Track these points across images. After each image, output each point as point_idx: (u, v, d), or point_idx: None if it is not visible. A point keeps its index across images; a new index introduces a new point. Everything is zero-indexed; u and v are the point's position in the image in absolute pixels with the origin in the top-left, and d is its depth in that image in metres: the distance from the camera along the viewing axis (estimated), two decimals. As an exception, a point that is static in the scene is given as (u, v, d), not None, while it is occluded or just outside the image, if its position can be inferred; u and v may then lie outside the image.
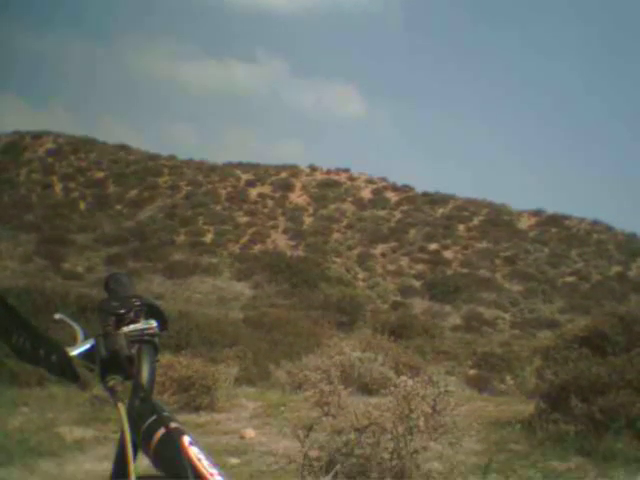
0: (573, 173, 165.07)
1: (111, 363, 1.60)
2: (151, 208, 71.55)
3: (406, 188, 77.88)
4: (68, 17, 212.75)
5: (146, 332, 1.68)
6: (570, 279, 59.90)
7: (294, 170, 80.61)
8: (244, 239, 65.53)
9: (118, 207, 72.02)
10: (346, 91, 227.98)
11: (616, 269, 61.43)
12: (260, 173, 79.28)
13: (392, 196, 75.67)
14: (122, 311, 1.68)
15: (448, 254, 63.68)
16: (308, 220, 70.15)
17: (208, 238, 64.76)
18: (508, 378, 21.11)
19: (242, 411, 13.99)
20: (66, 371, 1.61)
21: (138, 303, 1.71)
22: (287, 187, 76.01)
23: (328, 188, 75.90)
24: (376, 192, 76.29)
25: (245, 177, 78.30)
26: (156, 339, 1.70)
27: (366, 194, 76.01)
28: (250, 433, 11.62)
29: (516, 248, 64.80)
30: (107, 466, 1.55)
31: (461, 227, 69.14)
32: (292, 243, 64.63)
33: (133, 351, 1.63)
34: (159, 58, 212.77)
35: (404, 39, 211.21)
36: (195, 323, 19.87)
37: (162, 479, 1.47)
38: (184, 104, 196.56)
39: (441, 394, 8.46)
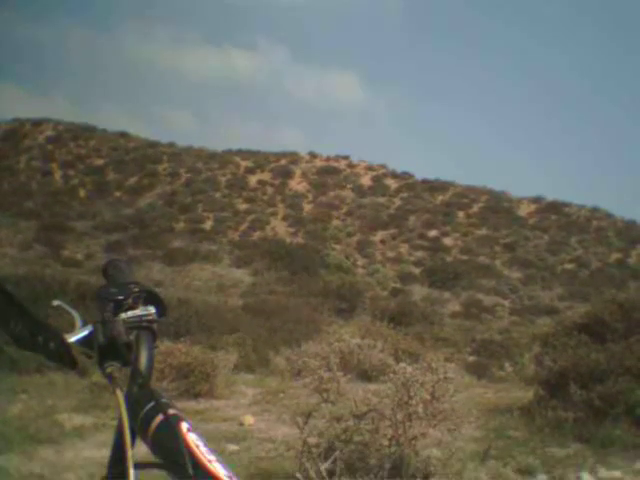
0: (573, 160, 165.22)
1: (109, 350, 1.59)
2: (150, 195, 71.55)
3: (406, 175, 77.87)
4: (69, 5, 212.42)
5: (144, 318, 1.67)
6: (569, 266, 59.94)
7: (294, 157, 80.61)
8: (243, 226, 65.54)
9: (117, 194, 72.03)
10: (347, 79, 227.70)
11: (616, 256, 61.49)
12: (260, 160, 79.23)
13: (392, 183, 75.66)
14: (120, 298, 1.67)
15: (448, 241, 63.72)
16: (307, 207, 70.15)
17: (207, 225, 64.78)
18: (507, 365, 21.14)
19: (241, 398, 14.01)
20: (64, 358, 1.60)
21: (137, 289, 1.71)
22: (287, 174, 75.98)
23: (328, 175, 75.89)
24: (376, 179, 76.26)
25: (244, 164, 78.26)
26: (154, 325, 1.69)
27: (366, 181, 76.00)
28: (249, 420, 11.62)
29: (516, 235, 64.82)
30: (106, 453, 1.55)
31: (461, 214, 69.14)
32: (291, 230, 64.64)
33: (131, 337, 1.63)
34: (159, 46, 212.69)
35: (405, 27, 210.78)
36: (194, 310, 19.85)
37: (160, 465, 1.46)
38: (184, 92, 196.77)
39: (440, 381, 8.45)
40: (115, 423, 1.50)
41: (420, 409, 8.20)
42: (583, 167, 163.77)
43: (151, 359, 1.64)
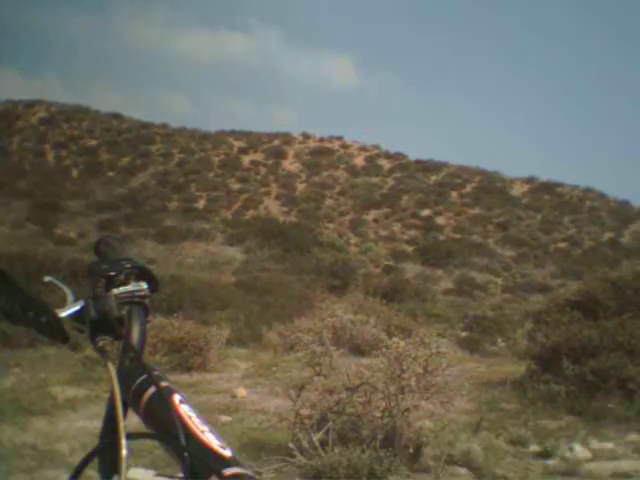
0: (567, 141, 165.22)
1: (101, 324, 1.58)
2: (143, 175, 71.50)
3: (399, 156, 77.90)
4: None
5: (136, 294, 1.66)
6: (562, 245, 60.11)
7: (287, 138, 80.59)
8: (236, 205, 65.50)
9: (110, 174, 71.80)
10: (341, 62, 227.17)
11: (608, 235, 61.65)
12: (253, 141, 79.19)
13: (385, 163, 75.74)
14: (112, 273, 1.66)
15: (441, 220, 63.82)
16: (301, 187, 70.15)
17: (200, 204, 64.76)
18: (499, 340, 21.19)
19: (234, 371, 14.05)
20: (56, 332, 1.59)
21: (128, 265, 1.70)
22: (280, 154, 75.94)
23: (321, 156, 75.87)
24: (369, 159, 76.29)
25: (238, 144, 78.24)
26: (146, 301, 1.68)
27: (359, 161, 76.03)
28: (242, 392, 11.66)
29: (508, 214, 64.93)
30: (98, 424, 1.55)
31: (454, 194, 69.18)
32: (284, 209, 64.65)
33: (123, 312, 1.62)
34: (153, 28, 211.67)
35: (399, 11, 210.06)
36: (187, 287, 19.85)
37: (153, 435, 1.46)
38: (178, 74, 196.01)
39: (433, 355, 8.46)
40: (108, 395, 1.49)
41: (413, 382, 8.23)
42: (577, 148, 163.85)
43: (143, 333, 1.64)
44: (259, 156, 75.83)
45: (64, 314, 1.59)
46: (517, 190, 71.62)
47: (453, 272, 45.92)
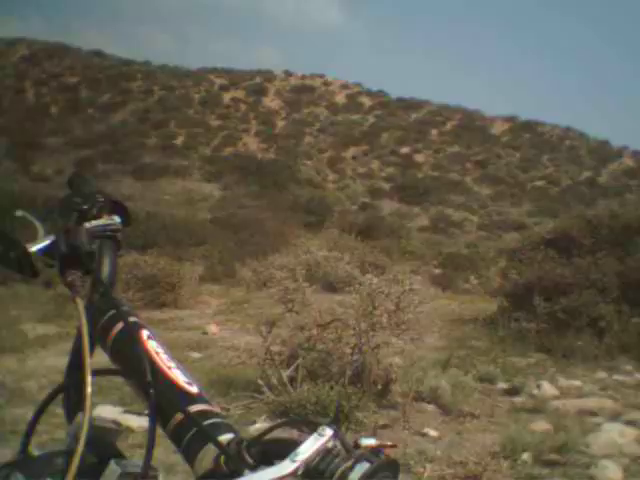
0: (548, 80, 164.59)
1: (71, 259, 1.54)
2: (123, 112, 70.77)
3: (380, 94, 77.53)
4: None
5: (108, 228, 1.63)
6: (540, 183, 60.24)
7: (268, 75, 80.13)
8: (215, 142, 65.01)
9: (90, 111, 70.96)
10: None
11: (586, 174, 61.82)
12: (234, 78, 78.50)
13: (366, 101, 75.49)
14: (85, 207, 1.62)
15: (419, 158, 63.77)
16: (281, 124, 69.83)
17: (179, 141, 64.16)
18: (472, 278, 21.28)
19: (206, 308, 14.07)
20: (25, 267, 1.55)
21: (101, 199, 1.65)
22: (261, 92, 75.50)
23: (302, 93, 75.56)
24: (350, 97, 75.94)
25: (219, 82, 77.58)
26: (119, 235, 1.66)
27: (340, 99, 75.77)
28: (213, 329, 11.67)
29: (488, 153, 64.95)
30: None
31: (434, 132, 69.04)
32: (263, 146, 64.33)
33: (94, 247, 1.58)
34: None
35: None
36: (162, 223, 19.76)
37: (118, 372, 1.44)
38: (161, 11, 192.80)
39: (405, 292, 8.45)
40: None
41: (384, 319, 8.21)
42: (558, 87, 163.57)
43: (113, 268, 1.60)
44: (240, 93, 75.28)
45: (34, 248, 1.56)
46: (497, 129, 71.59)
47: (429, 209, 46.10)
